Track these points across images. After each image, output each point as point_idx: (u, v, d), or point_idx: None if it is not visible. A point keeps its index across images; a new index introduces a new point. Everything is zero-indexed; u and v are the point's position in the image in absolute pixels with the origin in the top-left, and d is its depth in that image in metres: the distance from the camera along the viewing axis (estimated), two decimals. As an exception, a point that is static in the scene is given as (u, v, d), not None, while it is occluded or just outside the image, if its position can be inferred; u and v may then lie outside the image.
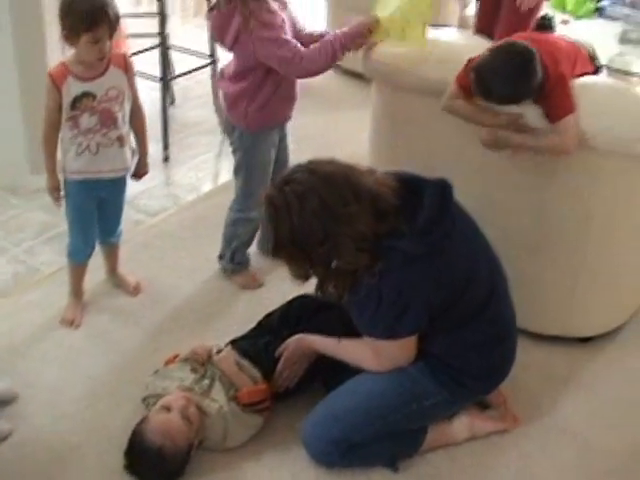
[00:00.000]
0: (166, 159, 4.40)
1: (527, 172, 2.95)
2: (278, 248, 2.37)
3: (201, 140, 4.76)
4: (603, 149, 2.78)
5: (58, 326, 3.22)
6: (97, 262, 3.36)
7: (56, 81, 2.92)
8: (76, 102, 2.94)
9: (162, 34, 4.40)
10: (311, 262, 2.37)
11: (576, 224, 2.98)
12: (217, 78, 3.32)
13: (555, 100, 2.76)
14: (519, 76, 2.72)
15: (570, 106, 2.75)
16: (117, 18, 2.88)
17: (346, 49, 3.07)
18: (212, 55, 4.69)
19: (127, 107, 3.08)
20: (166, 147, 4.45)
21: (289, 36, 3.06)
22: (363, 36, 3.10)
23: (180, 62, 4.83)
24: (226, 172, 4.47)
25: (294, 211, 2.28)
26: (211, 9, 3.15)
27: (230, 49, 3.16)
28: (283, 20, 3.08)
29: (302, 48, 3.05)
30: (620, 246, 3.05)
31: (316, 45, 3.06)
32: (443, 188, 2.46)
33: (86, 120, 2.98)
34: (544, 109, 2.78)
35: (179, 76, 4.81)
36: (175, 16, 6.17)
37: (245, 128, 3.26)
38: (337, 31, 3.08)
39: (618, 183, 2.89)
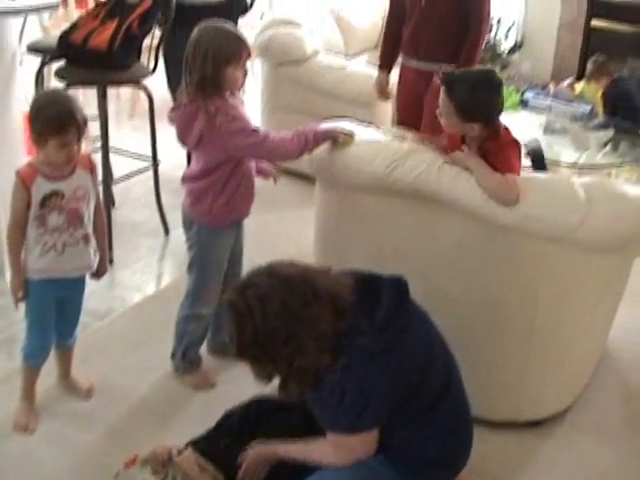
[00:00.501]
0: (110, 261, 4.41)
1: (475, 261, 3.05)
2: (242, 351, 2.42)
3: (143, 242, 4.79)
4: (546, 236, 2.89)
5: (11, 432, 3.17)
6: (46, 366, 3.32)
7: (25, 181, 2.95)
8: (45, 201, 2.97)
9: (105, 137, 4.44)
10: (274, 363, 2.42)
11: (524, 310, 3.06)
12: (180, 181, 3.38)
13: (504, 156, 3.03)
14: (483, 85, 3.10)
15: (515, 167, 3.01)
16: (85, 122, 2.94)
17: (318, 143, 3.20)
18: (154, 157, 4.75)
19: (92, 207, 3.13)
20: (110, 249, 4.46)
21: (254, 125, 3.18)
22: (334, 139, 3.24)
23: (117, 164, 4.87)
24: (169, 273, 4.53)
25: (256, 314, 2.34)
26: (173, 109, 3.23)
27: (194, 148, 3.25)
28: (246, 114, 3.20)
29: (272, 133, 3.17)
30: (567, 330, 3.14)
31: (289, 132, 3.18)
32: (399, 285, 2.54)
33: (54, 219, 3.01)
34: (493, 162, 3.00)
35: (122, 179, 4.84)
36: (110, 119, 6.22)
37: (206, 224, 3.31)
38: (312, 126, 3.21)
39: (563, 268, 2.99)
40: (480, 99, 3.07)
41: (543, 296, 3.02)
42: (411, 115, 4.48)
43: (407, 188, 3.06)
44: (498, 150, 3.05)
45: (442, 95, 3.12)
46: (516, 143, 3.13)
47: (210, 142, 3.15)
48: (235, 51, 3.12)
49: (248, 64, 3.24)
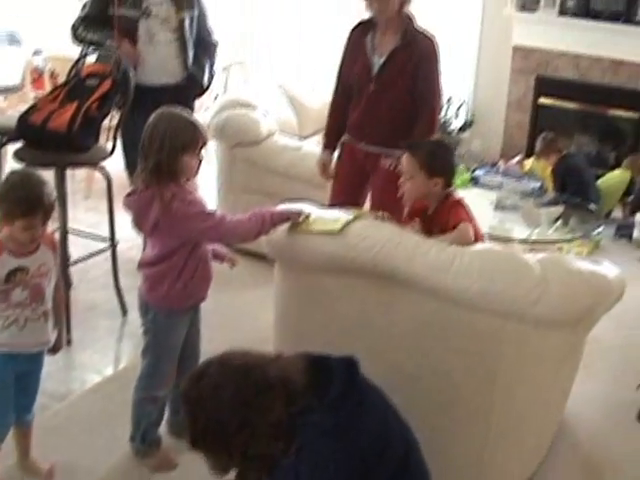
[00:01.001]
0: (69, 342, 4.39)
1: (432, 337, 3.09)
2: (196, 441, 2.44)
3: (102, 323, 4.77)
4: (503, 312, 2.94)
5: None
6: (6, 447, 3.28)
7: None
8: (10, 276, 3.00)
9: (63, 218, 4.46)
10: (229, 453, 2.43)
11: (481, 385, 3.09)
12: (136, 267, 3.40)
13: (456, 211, 3.53)
14: (442, 145, 3.80)
15: (466, 217, 3.52)
16: (52, 207, 2.99)
17: (275, 225, 3.25)
18: (112, 238, 4.76)
19: (53, 284, 3.16)
20: (68, 330, 4.45)
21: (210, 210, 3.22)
22: (292, 221, 3.30)
23: (74, 244, 4.87)
24: (127, 354, 4.52)
25: (209, 404, 2.39)
26: (129, 195, 3.26)
27: (150, 235, 3.27)
28: (201, 198, 3.25)
29: (229, 216, 3.22)
30: (524, 404, 3.17)
31: (246, 214, 3.22)
32: (350, 364, 2.58)
33: (18, 294, 3.03)
34: (447, 216, 3.50)
35: (80, 260, 4.83)
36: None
37: (163, 309, 3.32)
38: (269, 208, 3.26)
39: (520, 344, 3.03)
40: (442, 155, 3.63)
41: (500, 372, 3.06)
42: (349, 195, 4.46)
43: (366, 266, 3.12)
44: (451, 207, 3.56)
45: (407, 158, 3.58)
46: (461, 202, 3.62)
47: (166, 228, 3.18)
48: (191, 139, 3.18)
49: (203, 151, 3.29)
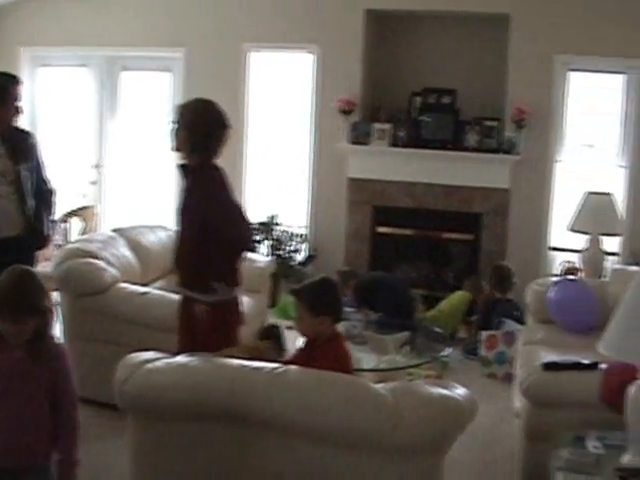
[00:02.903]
0: None
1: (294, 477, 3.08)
2: None
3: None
4: (359, 445, 2.98)
5: None
6: None
7: None
8: None
9: None
10: None
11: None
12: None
13: (341, 345, 3.85)
14: (325, 284, 3.91)
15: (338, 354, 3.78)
16: None
17: None
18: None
19: None
20: None
21: None
22: None
23: None
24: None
25: None
26: None
27: None
28: None
29: None
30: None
31: None
32: None
33: None
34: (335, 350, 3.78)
35: None
36: None
37: None
38: None
39: (378, 476, 3.03)
40: (326, 294, 3.85)
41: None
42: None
43: (215, 409, 3.12)
44: (335, 338, 3.84)
45: (295, 302, 3.83)
46: (339, 334, 3.94)
47: None
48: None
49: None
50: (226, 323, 4.25)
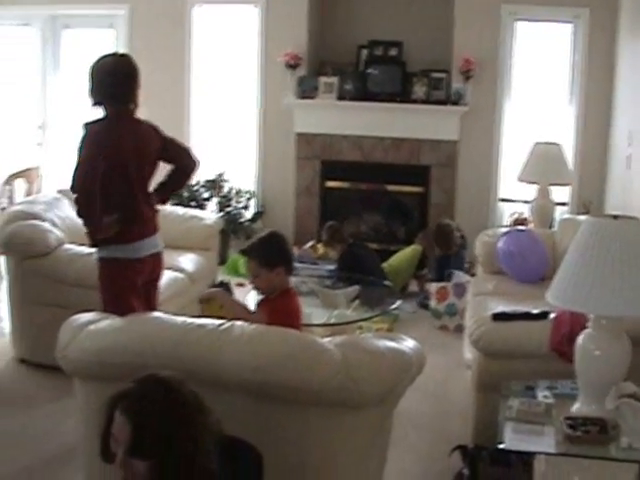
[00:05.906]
0: None
1: (246, 434, 3.05)
2: None
3: None
4: (306, 400, 2.94)
5: None
6: None
7: None
8: None
9: None
10: None
11: (292, 474, 3.04)
12: None
13: (293, 299, 3.99)
14: (272, 238, 3.99)
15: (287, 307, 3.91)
16: None
17: None
18: None
19: None
20: None
21: None
22: None
23: None
24: None
25: None
26: None
27: None
28: None
29: None
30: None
31: None
32: None
33: None
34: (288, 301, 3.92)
35: None
36: None
37: None
38: None
39: (325, 430, 3.02)
40: (276, 246, 3.95)
41: (309, 459, 3.03)
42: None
43: (160, 368, 3.05)
44: (287, 291, 3.97)
45: (248, 262, 3.94)
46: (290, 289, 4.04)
47: None
48: None
49: None
50: (114, 282, 4.25)
